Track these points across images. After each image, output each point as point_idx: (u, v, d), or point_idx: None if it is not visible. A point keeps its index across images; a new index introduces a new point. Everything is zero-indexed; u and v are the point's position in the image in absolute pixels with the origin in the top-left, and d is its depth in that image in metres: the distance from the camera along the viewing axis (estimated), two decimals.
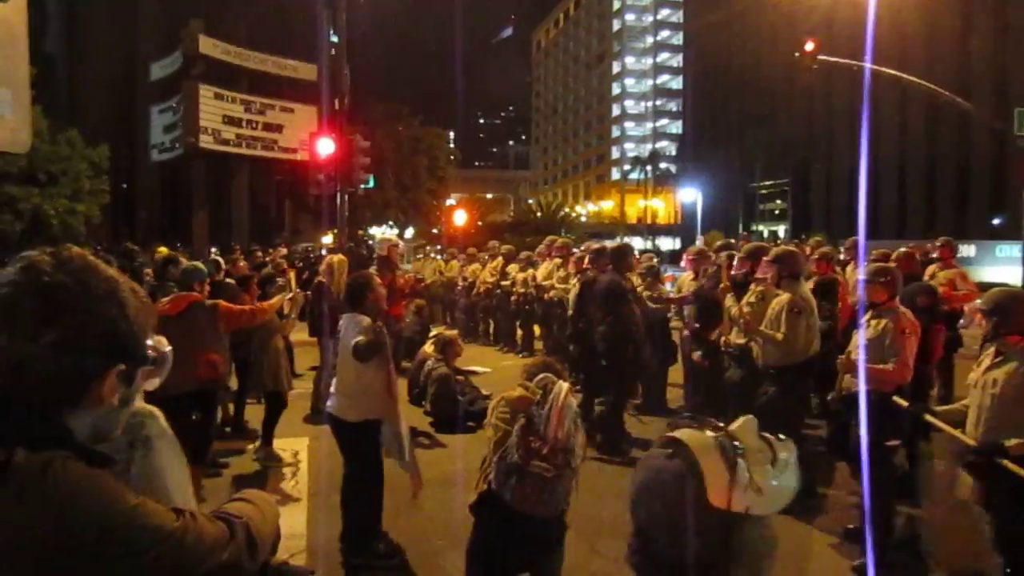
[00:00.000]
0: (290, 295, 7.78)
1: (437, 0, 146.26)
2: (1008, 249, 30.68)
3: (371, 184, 20.89)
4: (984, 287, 6.28)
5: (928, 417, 4.52)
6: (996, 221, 47.42)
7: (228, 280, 8.08)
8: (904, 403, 4.74)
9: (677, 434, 1.27)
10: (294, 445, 7.84)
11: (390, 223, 46.47)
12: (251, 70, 39.79)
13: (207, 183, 40.50)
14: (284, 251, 20.31)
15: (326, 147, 15.96)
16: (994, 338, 4.17)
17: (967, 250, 32.48)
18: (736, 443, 1.23)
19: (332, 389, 5.20)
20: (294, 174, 36.49)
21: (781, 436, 1.32)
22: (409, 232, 44.88)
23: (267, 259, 14.76)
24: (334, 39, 18.99)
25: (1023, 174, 25.19)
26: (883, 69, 25.01)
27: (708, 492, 1.18)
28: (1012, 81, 40.63)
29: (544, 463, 3.25)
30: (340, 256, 9.20)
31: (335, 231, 19.13)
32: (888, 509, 5.11)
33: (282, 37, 41.72)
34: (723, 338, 7.26)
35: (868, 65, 19.99)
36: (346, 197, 16.96)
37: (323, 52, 21.78)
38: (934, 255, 10.00)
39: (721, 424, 1.27)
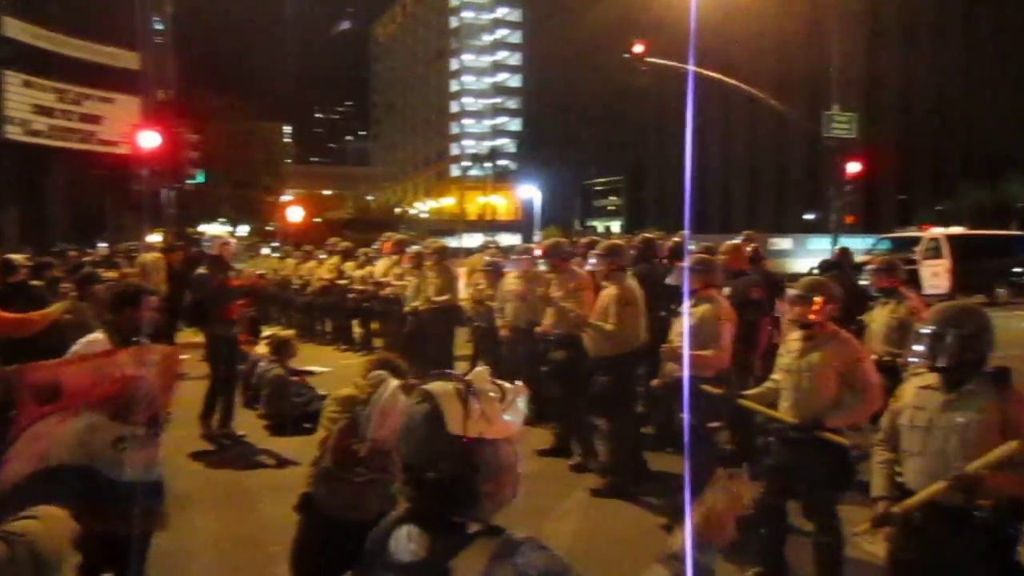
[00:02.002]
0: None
1: None
2: (819, 242, 32.98)
3: (200, 179, 20.00)
4: (795, 277, 6.66)
5: (742, 400, 4.78)
6: (809, 216, 50.96)
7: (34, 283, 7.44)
8: (716, 390, 4.97)
9: (426, 386, 1.68)
10: None
11: (222, 220, 44.65)
12: (66, 56, 36.99)
13: (17, 178, 37.44)
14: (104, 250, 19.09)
15: (150, 140, 15.13)
16: (801, 324, 4.44)
17: (784, 243, 34.73)
18: (472, 387, 1.63)
19: None
20: (117, 169, 34.38)
21: (517, 382, 1.71)
22: (243, 230, 43.26)
23: (85, 259, 13.79)
24: (159, 27, 18.02)
25: (832, 172, 27.20)
26: (706, 72, 26.26)
27: (447, 423, 1.60)
28: (821, 86, 43.72)
29: (360, 467, 3.19)
30: (154, 255, 8.74)
31: (162, 229, 18.17)
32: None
33: (102, 23, 39.15)
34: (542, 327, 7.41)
35: (692, 68, 20.89)
36: (173, 193, 16.18)
37: (146, 40, 20.61)
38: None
39: (461, 375, 1.69)
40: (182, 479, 6.83)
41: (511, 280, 8.67)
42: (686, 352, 5.31)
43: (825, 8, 41.93)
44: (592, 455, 7.01)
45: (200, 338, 9.88)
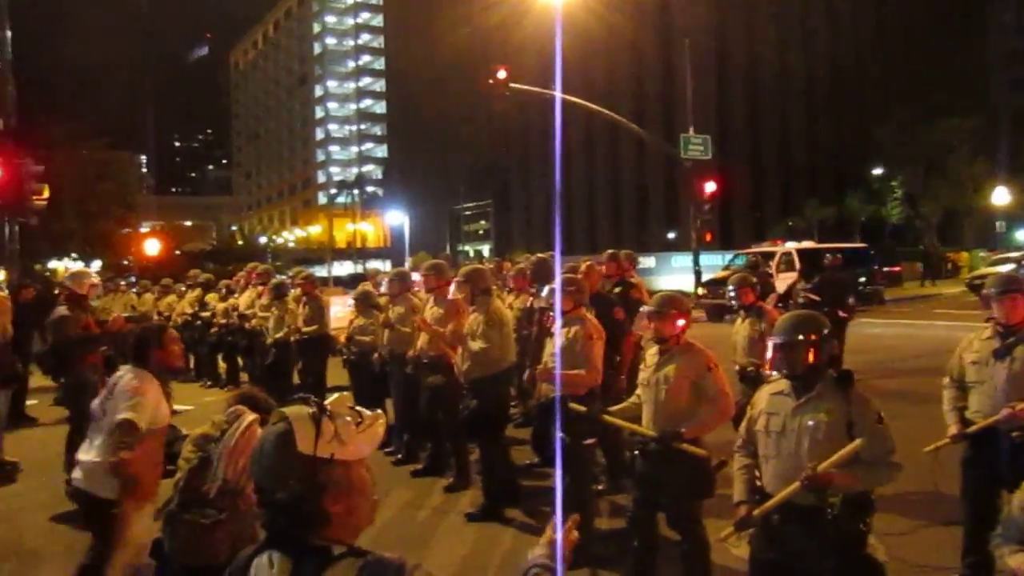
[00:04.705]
0: None
1: (124, 15, 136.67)
2: (681, 259, 34.23)
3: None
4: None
5: (605, 417, 4.87)
6: (671, 235, 52.84)
7: None
8: (582, 408, 5.06)
9: (284, 410, 1.69)
10: None
11: (73, 255, 42.24)
12: None
13: None
14: None
15: None
16: (658, 339, 4.59)
17: (647, 261, 35.82)
18: (326, 409, 1.65)
19: (83, 457, 4.15)
20: None
21: (379, 411, 1.74)
22: (95, 264, 41.03)
23: None
24: None
25: (690, 192, 28.26)
26: (570, 97, 26.91)
27: (297, 442, 1.61)
28: (677, 111, 45.54)
29: (209, 508, 3.06)
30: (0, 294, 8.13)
31: (5, 267, 17.03)
32: (587, 502, 5.46)
33: None
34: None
35: (559, 94, 21.41)
36: (16, 228, 15.22)
37: None
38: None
39: (317, 400, 1.70)
40: (35, 534, 6.41)
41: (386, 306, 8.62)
42: (558, 372, 5.39)
43: (677, 36, 43.84)
44: (467, 477, 7.02)
45: (50, 382, 9.30)
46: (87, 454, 4.13)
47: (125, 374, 4.09)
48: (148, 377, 4.05)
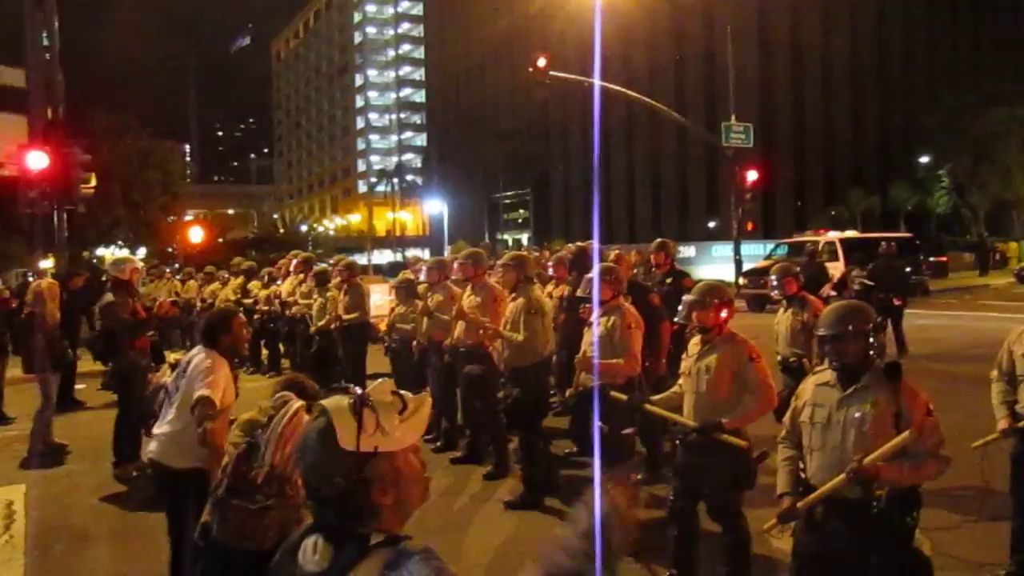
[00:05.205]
0: None
1: (168, 7, 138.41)
2: (722, 249, 33.94)
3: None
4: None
5: (647, 406, 4.83)
6: (711, 224, 52.32)
7: None
8: (623, 396, 5.04)
9: (323, 402, 1.66)
10: (7, 495, 7.01)
11: (119, 243, 43.00)
12: None
13: None
14: None
15: (38, 161, 14.42)
16: (700, 329, 4.52)
17: (687, 251, 35.60)
18: (367, 399, 1.60)
19: (157, 431, 4.45)
20: (3, 192, 32.69)
21: (424, 393, 1.72)
22: (140, 252, 41.71)
23: None
24: (46, 42, 17.26)
25: (731, 180, 27.98)
26: (610, 85, 26.76)
27: (339, 439, 1.57)
28: (719, 99, 45.04)
29: (256, 494, 3.08)
30: (48, 281, 8.31)
31: (55, 254, 17.35)
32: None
33: None
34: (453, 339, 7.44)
35: (597, 82, 21.28)
36: (64, 216, 15.48)
37: (33, 56, 19.75)
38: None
39: (359, 389, 1.65)
40: (83, 515, 6.55)
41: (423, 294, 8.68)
42: (596, 361, 5.37)
43: (719, 22, 43.31)
44: (505, 465, 7.03)
45: (98, 366, 9.49)
46: (160, 428, 4.40)
47: (198, 354, 4.34)
48: (219, 358, 4.28)
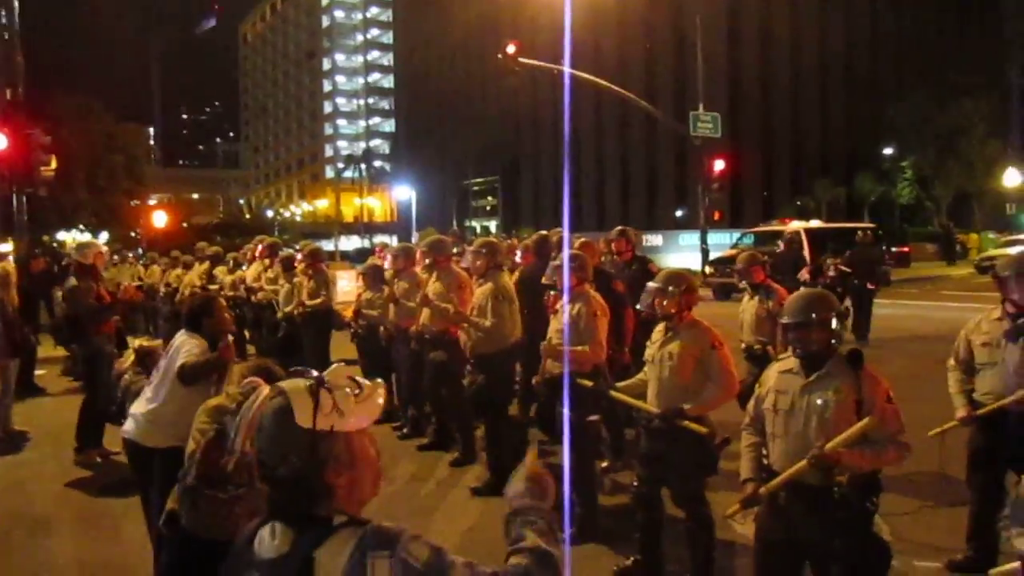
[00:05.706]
0: None
1: None
2: (689, 238, 34.15)
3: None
4: None
5: (612, 393, 4.87)
6: (679, 213, 52.64)
7: None
8: (589, 383, 5.08)
9: (281, 384, 1.70)
10: None
11: (81, 227, 42.28)
12: None
13: None
14: None
15: None
16: (664, 316, 4.55)
17: (655, 239, 35.81)
18: (324, 381, 1.64)
19: (134, 410, 4.51)
20: None
21: (379, 380, 1.72)
22: (103, 236, 41.03)
23: None
24: (4, 21, 16.87)
25: (699, 170, 28.14)
26: (580, 73, 26.72)
27: (296, 416, 1.60)
28: (688, 88, 45.18)
29: (226, 482, 3.05)
30: (6, 264, 8.15)
31: (14, 238, 17.03)
32: (591, 479, 5.52)
33: None
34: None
35: (567, 69, 21.22)
36: (24, 199, 15.17)
37: None
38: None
39: (316, 372, 1.70)
40: (45, 502, 6.46)
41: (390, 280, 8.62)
42: (566, 348, 5.38)
43: (689, 12, 43.42)
44: (472, 452, 7.04)
45: (59, 352, 9.33)
46: (139, 407, 4.45)
47: (181, 337, 4.43)
48: (202, 341, 4.38)
